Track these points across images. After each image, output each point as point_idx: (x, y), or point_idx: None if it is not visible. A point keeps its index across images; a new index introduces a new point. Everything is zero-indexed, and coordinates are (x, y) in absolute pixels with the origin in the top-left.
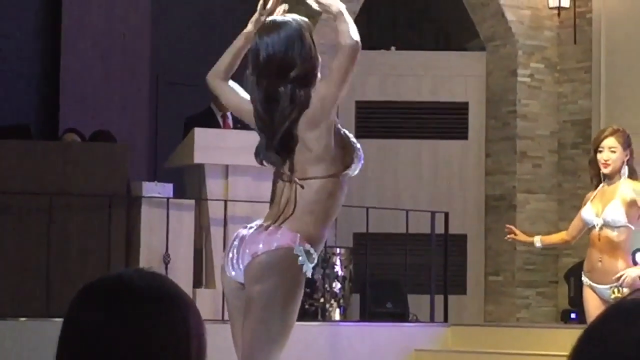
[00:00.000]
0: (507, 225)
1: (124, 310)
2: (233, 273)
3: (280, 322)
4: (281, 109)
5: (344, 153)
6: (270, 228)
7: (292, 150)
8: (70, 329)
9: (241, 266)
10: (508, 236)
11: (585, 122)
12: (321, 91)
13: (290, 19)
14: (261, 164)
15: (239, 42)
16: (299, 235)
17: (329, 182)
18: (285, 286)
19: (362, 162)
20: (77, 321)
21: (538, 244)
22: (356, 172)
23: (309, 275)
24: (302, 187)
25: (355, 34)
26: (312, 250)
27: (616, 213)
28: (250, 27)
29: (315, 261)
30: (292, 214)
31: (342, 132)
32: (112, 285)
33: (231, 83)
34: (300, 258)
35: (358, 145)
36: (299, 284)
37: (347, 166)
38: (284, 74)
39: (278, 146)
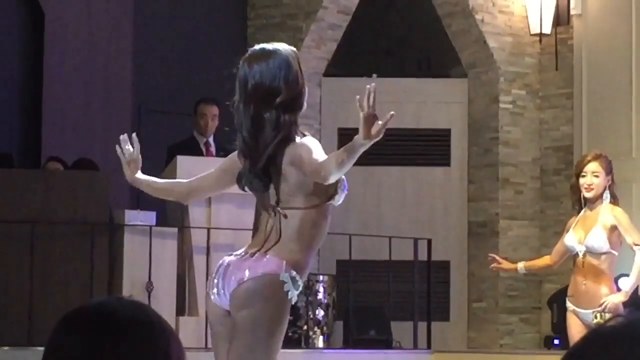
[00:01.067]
0: (490, 255)
1: (105, 339)
2: (218, 299)
3: (265, 348)
4: (266, 134)
5: (328, 185)
6: (256, 255)
7: (275, 177)
8: (51, 357)
9: (227, 293)
10: (492, 265)
11: (567, 148)
12: (304, 155)
13: (280, 48)
14: (243, 189)
15: (143, 181)
16: (284, 262)
17: (313, 212)
18: (271, 312)
19: (346, 192)
20: (59, 350)
21: (522, 271)
22: (339, 202)
23: (294, 301)
24: (285, 216)
25: (333, 176)
26: (297, 277)
27: (598, 240)
28: (125, 169)
29: (301, 288)
30: (277, 241)
31: None
32: (93, 314)
33: (189, 180)
34: (286, 284)
35: (342, 177)
36: (285, 310)
37: (331, 197)
38: (270, 100)
39: (260, 171)
